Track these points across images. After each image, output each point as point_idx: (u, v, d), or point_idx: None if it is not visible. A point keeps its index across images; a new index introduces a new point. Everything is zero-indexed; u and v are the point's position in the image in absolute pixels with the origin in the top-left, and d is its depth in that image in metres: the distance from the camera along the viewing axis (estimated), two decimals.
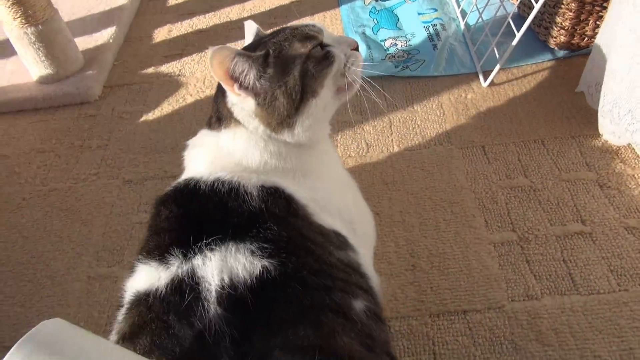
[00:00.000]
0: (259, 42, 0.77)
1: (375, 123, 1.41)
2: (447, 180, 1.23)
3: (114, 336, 0.62)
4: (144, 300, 0.61)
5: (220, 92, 0.77)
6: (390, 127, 1.39)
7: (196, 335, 0.56)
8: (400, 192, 1.22)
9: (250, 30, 0.88)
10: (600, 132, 1.26)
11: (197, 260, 0.60)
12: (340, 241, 0.72)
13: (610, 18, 1.20)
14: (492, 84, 1.46)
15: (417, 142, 1.34)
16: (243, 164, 0.74)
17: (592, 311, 0.96)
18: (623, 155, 1.21)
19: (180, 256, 0.61)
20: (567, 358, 0.90)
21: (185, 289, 0.58)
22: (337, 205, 0.80)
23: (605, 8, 1.36)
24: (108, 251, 1.18)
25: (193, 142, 0.82)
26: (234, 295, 0.57)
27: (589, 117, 1.32)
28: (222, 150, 0.76)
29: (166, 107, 1.56)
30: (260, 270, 0.58)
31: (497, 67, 1.41)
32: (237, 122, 0.75)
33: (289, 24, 0.82)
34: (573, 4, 1.39)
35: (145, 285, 0.62)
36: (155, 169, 1.37)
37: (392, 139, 1.35)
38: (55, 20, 1.58)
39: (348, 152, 1.33)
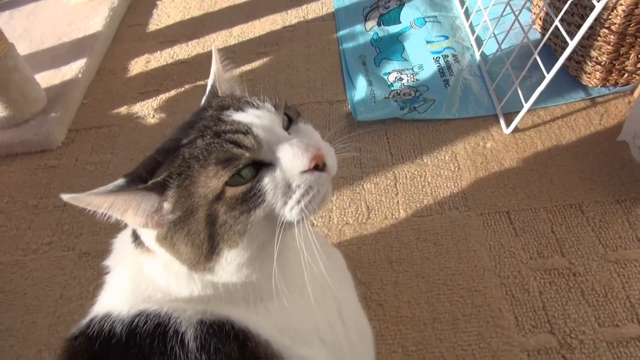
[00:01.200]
0: (175, 146, 0.53)
1: (378, 179, 1.19)
2: (465, 259, 1.00)
3: None
4: None
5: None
6: (396, 184, 1.17)
7: None
8: (409, 274, 1.00)
9: (216, 59, 0.65)
10: None
11: None
12: None
13: None
14: (515, 129, 1.23)
15: (427, 204, 1.12)
16: (172, 294, 0.54)
17: None
18: None
19: None
20: None
21: None
22: (317, 324, 0.59)
23: None
24: (53, 351, 0.97)
25: (115, 254, 0.62)
26: None
27: (636, 174, 1.09)
28: (143, 272, 0.56)
29: (137, 156, 1.35)
30: None
31: (523, 111, 1.19)
32: (148, 248, 0.54)
33: (236, 98, 0.59)
34: (612, 37, 1.16)
35: None
36: None
37: (397, 201, 1.13)
38: (10, 57, 1.38)
39: (345, 218, 1.12)
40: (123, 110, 1.51)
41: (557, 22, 1.10)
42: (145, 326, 0.50)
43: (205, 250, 0.50)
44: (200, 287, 0.54)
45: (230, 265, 0.51)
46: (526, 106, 1.16)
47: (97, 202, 0.48)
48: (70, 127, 1.48)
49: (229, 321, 0.51)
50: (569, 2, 1.11)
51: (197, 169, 0.49)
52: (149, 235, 0.53)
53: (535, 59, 1.15)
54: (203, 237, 0.49)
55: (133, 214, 0.49)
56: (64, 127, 1.46)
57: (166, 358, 0.48)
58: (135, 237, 0.56)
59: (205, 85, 0.66)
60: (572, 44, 1.04)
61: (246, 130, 0.51)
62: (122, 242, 0.62)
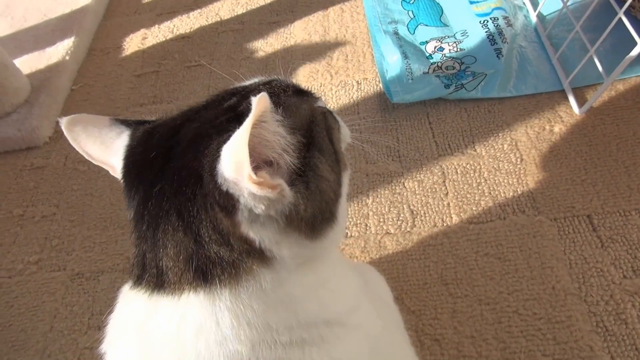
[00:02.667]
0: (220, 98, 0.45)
1: (422, 176, 0.98)
2: (540, 279, 0.81)
3: None
4: None
5: (207, 208, 0.37)
6: (444, 182, 0.96)
7: None
8: (469, 299, 0.80)
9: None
10: None
11: None
12: None
13: None
14: (590, 109, 1.01)
15: (485, 207, 0.91)
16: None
17: None
18: None
19: None
20: None
21: None
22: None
23: None
24: None
25: (117, 314, 0.44)
26: None
27: None
28: (162, 341, 0.38)
29: None
30: None
31: (605, 85, 0.95)
32: (262, 259, 0.38)
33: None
34: None
35: None
36: (114, 254, 0.98)
37: (447, 203, 0.93)
38: None
39: (385, 227, 0.92)
40: (119, 96, 1.31)
41: None
42: None
43: (338, 174, 0.44)
44: (287, 313, 0.39)
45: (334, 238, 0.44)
46: (609, 79, 0.93)
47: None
48: (59, 119, 1.29)
49: None
50: None
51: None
52: (277, 209, 0.37)
53: (619, 18, 0.91)
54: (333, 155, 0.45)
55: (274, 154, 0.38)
56: (51, 119, 1.26)
57: None
58: (209, 276, 0.37)
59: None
60: None
61: None
62: (120, 336, 0.42)
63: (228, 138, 0.35)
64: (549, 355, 0.73)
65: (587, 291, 0.78)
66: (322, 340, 0.40)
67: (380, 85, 1.16)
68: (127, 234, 1.01)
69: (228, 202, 0.36)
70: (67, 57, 1.38)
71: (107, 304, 0.84)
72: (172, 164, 0.40)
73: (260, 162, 0.38)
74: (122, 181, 0.44)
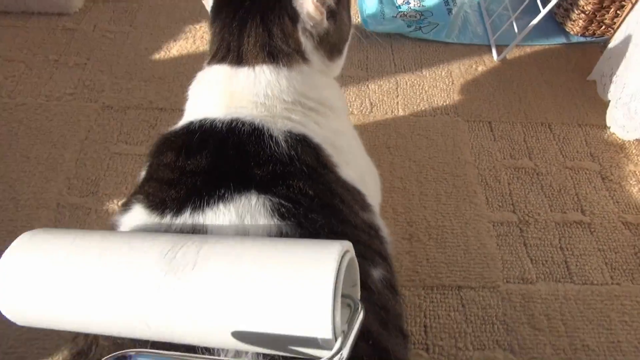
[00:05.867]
0: None
1: (381, 82, 1.33)
2: (451, 152, 1.18)
3: None
4: None
5: (281, 17, 0.66)
6: (397, 89, 1.32)
7: None
8: (402, 158, 1.16)
9: None
10: (608, 124, 1.24)
11: (209, 215, 0.51)
12: (362, 200, 0.65)
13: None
14: (504, 59, 1.41)
15: (423, 108, 1.28)
16: (267, 104, 0.65)
17: (584, 301, 0.95)
18: (627, 151, 1.20)
19: (189, 208, 0.52)
20: (557, 344, 0.89)
21: None
22: (354, 155, 0.74)
23: None
24: (81, 180, 1.07)
25: (203, 77, 0.71)
26: None
27: (597, 108, 1.29)
28: (242, 87, 0.65)
29: (157, 33, 1.42)
30: (277, 231, 0.51)
31: (514, 43, 1.35)
32: (301, 56, 0.67)
33: None
34: None
35: (143, 228, 0.53)
36: (139, 97, 1.25)
37: (397, 102, 1.29)
38: None
39: (351, 109, 1.26)
40: None
41: None
42: (242, 127, 0.60)
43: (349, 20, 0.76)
44: (306, 90, 0.67)
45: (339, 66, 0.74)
46: (518, 38, 1.33)
47: None
48: None
49: (308, 135, 0.63)
50: None
51: None
52: (319, 32, 0.69)
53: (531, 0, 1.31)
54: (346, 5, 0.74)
55: None
56: None
57: (260, 148, 0.58)
58: (275, 57, 0.66)
59: None
60: None
61: None
62: (206, 80, 0.70)
63: None
64: (448, 193, 1.10)
65: (479, 162, 1.16)
66: (325, 115, 0.70)
67: (359, 19, 1.50)
68: (152, 86, 1.27)
69: (294, 14, 0.67)
70: None
71: (134, 129, 1.12)
72: None
73: None
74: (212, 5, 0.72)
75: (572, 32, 1.47)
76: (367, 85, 1.32)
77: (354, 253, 0.41)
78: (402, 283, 0.95)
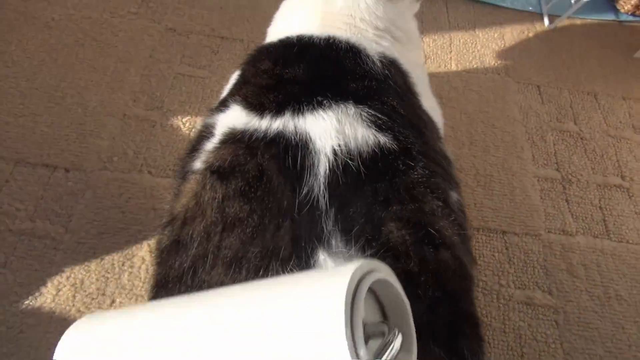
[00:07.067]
0: None
1: (436, 37, 1.36)
2: (500, 109, 1.22)
3: (199, 164, 0.57)
4: (241, 138, 0.55)
5: None
6: (450, 45, 1.35)
7: (294, 194, 0.51)
8: (455, 109, 1.20)
9: None
10: None
11: (309, 118, 0.54)
12: (437, 131, 0.70)
13: None
14: (555, 28, 1.43)
15: (475, 65, 1.31)
16: (360, 28, 0.68)
17: (619, 256, 1.01)
18: None
19: (288, 111, 0.55)
20: (592, 291, 0.95)
21: (290, 145, 0.53)
22: (426, 89, 0.78)
23: None
24: (146, 94, 1.10)
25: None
26: (346, 162, 0.52)
27: None
28: (340, 8, 0.69)
29: None
30: (374, 141, 0.54)
31: (567, 13, 1.38)
32: None
33: None
34: None
35: (243, 125, 0.56)
36: (201, 24, 1.27)
37: (451, 57, 1.32)
38: None
39: None
40: None
41: None
42: (340, 44, 0.63)
43: None
44: (396, 18, 0.71)
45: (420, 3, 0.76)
46: (572, 8, 1.36)
47: None
48: None
49: (397, 61, 0.67)
50: None
51: None
52: None
53: None
54: None
55: None
56: None
57: (357, 64, 0.61)
58: None
59: None
60: None
61: None
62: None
63: None
64: (497, 146, 1.15)
65: (527, 122, 1.21)
66: (407, 46, 0.74)
67: None
68: (214, 14, 1.29)
69: None
70: None
71: (197, 53, 1.15)
72: None
73: None
74: None
75: (622, 10, 1.50)
76: (422, 39, 1.35)
77: (389, 273, 0.31)
78: None
